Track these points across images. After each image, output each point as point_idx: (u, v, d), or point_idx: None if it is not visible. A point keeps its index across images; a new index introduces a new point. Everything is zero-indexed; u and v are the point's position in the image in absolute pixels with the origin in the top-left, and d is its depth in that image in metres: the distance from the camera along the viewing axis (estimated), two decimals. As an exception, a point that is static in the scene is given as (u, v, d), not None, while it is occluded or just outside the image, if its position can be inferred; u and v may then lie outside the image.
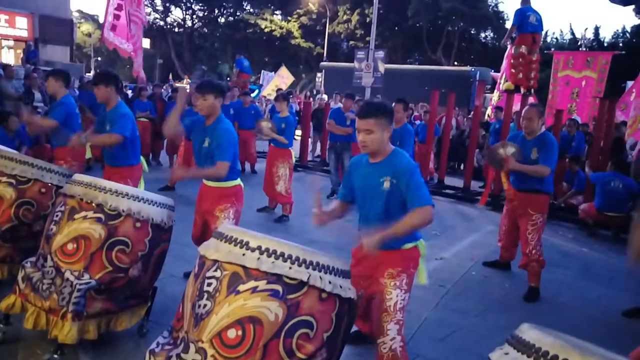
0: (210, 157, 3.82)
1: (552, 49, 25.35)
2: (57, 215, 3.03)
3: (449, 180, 10.42)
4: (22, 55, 18.76)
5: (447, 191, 9.72)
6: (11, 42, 22.48)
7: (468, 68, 22.58)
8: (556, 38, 35.46)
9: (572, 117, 11.35)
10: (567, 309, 4.59)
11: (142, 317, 3.31)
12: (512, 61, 9.41)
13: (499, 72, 20.64)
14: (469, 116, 13.14)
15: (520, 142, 4.73)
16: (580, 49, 17.09)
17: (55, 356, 2.85)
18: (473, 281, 5.11)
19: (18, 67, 13.49)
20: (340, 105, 9.25)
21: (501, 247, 5.41)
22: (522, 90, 9.39)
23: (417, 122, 11.46)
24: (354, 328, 3.32)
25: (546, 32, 55.71)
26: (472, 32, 34.54)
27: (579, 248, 6.72)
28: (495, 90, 13.32)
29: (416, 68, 26.57)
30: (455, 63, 31.44)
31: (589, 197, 7.98)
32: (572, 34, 32.82)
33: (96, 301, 2.95)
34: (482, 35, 35.76)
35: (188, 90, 4.45)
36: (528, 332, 1.63)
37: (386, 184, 2.72)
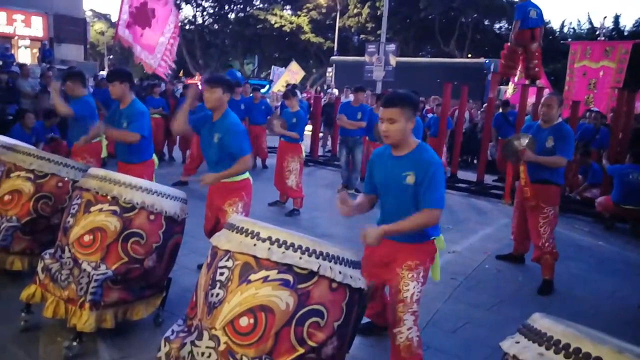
0: (222, 152, 3.87)
1: (569, 40, 25.05)
2: (73, 208, 3.11)
3: (462, 174, 10.39)
4: (37, 54, 18.99)
5: (460, 185, 9.69)
6: (27, 42, 22.76)
7: (482, 60, 22.37)
8: (573, 28, 34.91)
9: (591, 108, 11.20)
10: (581, 302, 4.57)
11: (158, 306, 3.38)
12: (505, 53, 9.46)
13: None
14: (482, 109, 13.05)
15: (535, 132, 4.71)
16: (599, 38, 16.83)
17: (74, 344, 2.93)
18: (486, 274, 5.11)
19: (34, 66, 13.68)
20: (350, 99, 9.24)
21: (514, 241, 5.40)
22: (511, 82, 9.40)
23: (429, 115, 11.41)
24: (365, 319, 3.37)
25: (562, 22, 55.08)
26: (486, 23, 34.16)
27: (595, 241, 6.67)
28: (510, 83, 13.20)
29: (428, 61, 26.41)
30: (469, 55, 31.15)
31: (606, 189, 7.88)
32: (590, 23, 32.25)
33: (113, 291, 3.02)
34: (497, 26, 35.34)
35: (200, 87, 4.48)
36: (539, 321, 1.64)
37: (410, 179, 2.70)
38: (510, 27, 35.35)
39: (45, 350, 3.01)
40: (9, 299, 3.46)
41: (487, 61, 21.18)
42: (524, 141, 4.64)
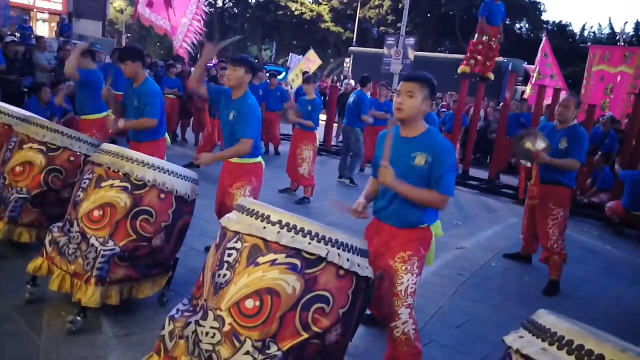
0: (233, 130, 3.86)
1: (589, 43, 24.70)
2: (84, 183, 3.11)
3: (474, 172, 10.32)
4: (56, 28, 19.06)
5: (472, 182, 9.63)
6: (46, 16, 22.85)
7: (500, 59, 22.10)
8: (594, 32, 34.56)
9: (605, 114, 11.09)
10: (587, 305, 4.54)
11: (164, 286, 3.39)
12: (471, 47, 9.56)
13: (532, 64, 20.27)
14: (498, 107, 12.93)
15: (549, 132, 4.65)
16: (619, 44, 16.60)
17: (79, 318, 2.94)
18: (493, 272, 5.08)
19: (52, 40, 13.72)
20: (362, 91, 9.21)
21: (523, 240, 5.36)
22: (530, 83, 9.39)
23: (445, 111, 11.33)
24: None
25: (583, 26, 54.42)
26: (507, 22, 33.83)
27: (603, 246, 6.61)
28: (529, 84, 13.08)
29: (447, 57, 26.12)
30: (487, 53, 30.81)
31: (617, 195, 7.81)
32: (611, 28, 31.89)
33: (119, 268, 3.02)
34: (517, 26, 35.02)
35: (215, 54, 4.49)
36: (544, 317, 1.63)
37: (419, 160, 2.64)
38: (530, 27, 35.16)
39: (49, 323, 3.02)
40: (16, 270, 3.48)
41: (505, 60, 20.92)
42: (540, 145, 4.52)
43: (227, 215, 2.38)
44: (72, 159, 3.77)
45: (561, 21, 34.21)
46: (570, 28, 33.59)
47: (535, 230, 4.98)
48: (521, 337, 1.61)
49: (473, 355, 3.36)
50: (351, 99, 8.43)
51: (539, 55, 12.31)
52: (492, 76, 9.72)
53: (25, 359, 2.67)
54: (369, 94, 8.83)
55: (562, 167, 4.50)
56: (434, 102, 6.18)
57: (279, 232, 2.14)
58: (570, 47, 27.97)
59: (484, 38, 9.28)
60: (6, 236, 3.67)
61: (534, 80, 11.64)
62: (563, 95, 9.05)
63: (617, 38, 19.54)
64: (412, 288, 2.74)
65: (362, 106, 8.19)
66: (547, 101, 9.91)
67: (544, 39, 12.78)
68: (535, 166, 4.66)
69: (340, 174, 8.67)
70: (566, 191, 4.68)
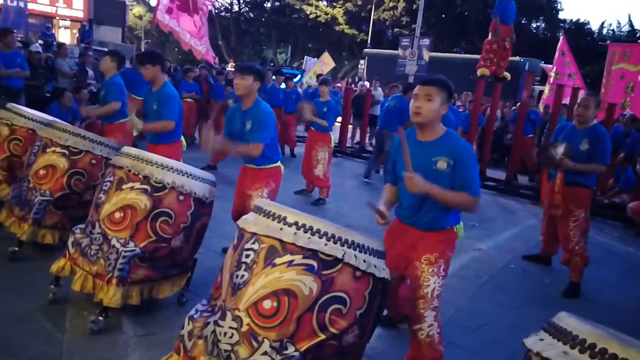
0: (250, 138, 3.90)
1: (608, 41, 24.35)
2: (106, 185, 3.17)
3: (490, 173, 10.24)
4: (77, 35, 19.36)
5: (489, 183, 9.56)
6: (67, 23, 23.22)
7: (517, 58, 21.90)
8: (612, 30, 33.98)
9: (625, 113, 10.93)
10: (608, 308, 4.47)
11: (182, 286, 3.44)
12: (486, 46, 9.43)
13: (549, 64, 20.03)
14: (514, 107, 12.82)
15: (569, 133, 4.59)
16: (639, 41, 16.33)
17: (100, 318, 3.00)
18: (511, 274, 5.04)
19: (73, 47, 13.94)
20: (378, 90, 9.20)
21: (543, 242, 5.31)
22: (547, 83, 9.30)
23: (460, 111, 11.26)
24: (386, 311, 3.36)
25: (602, 23, 53.58)
26: (523, 21, 33.49)
27: (624, 247, 6.51)
28: (547, 84, 12.94)
29: (462, 57, 25.95)
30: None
31: (638, 195, 7.69)
32: (631, 25, 31.29)
33: (140, 268, 3.08)
34: (533, 25, 34.64)
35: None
36: (565, 320, 1.60)
37: (441, 165, 2.63)
38: (547, 26, 34.72)
39: (72, 323, 3.08)
40: (39, 271, 3.55)
41: (522, 60, 20.73)
42: (560, 150, 4.48)
43: (244, 217, 2.40)
44: (93, 162, 3.85)
45: (578, 19, 33.87)
46: (588, 26, 33.06)
47: (554, 231, 4.93)
48: (541, 340, 1.59)
49: (491, 358, 3.34)
50: (391, 103, 8.31)
51: (557, 54, 12.17)
52: (508, 76, 9.65)
53: (49, 357, 2.73)
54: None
55: (588, 172, 4.46)
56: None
57: (295, 233, 2.16)
58: (588, 46, 27.55)
59: (498, 37, 9.20)
60: (30, 237, 3.75)
61: (551, 79, 11.51)
62: (581, 94, 8.96)
63: (638, 35, 19.20)
64: (437, 290, 2.73)
65: (405, 112, 8.12)
66: (565, 100, 9.81)
67: (561, 37, 12.63)
68: (560, 174, 4.62)
69: (366, 174, 8.69)
70: (586, 192, 4.62)
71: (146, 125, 4.37)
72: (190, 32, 10.60)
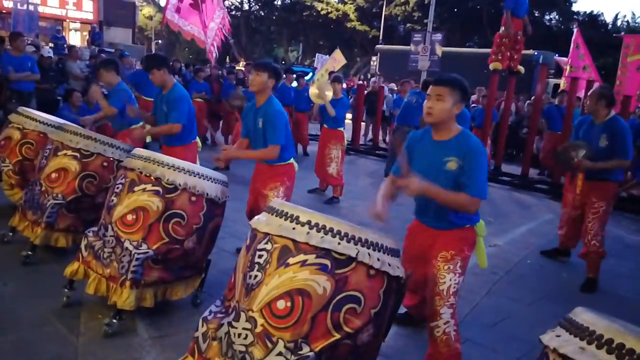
0: (264, 138, 3.87)
1: (623, 33, 23.99)
2: (117, 187, 3.16)
3: (506, 168, 10.14)
4: (87, 37, 19.52)
5: (504, 178, 9.46)
6: (78, 25, 23.44)
7: (530, 52, 21.68)
8: (627, 21, 33.53)
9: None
10: (626, 301, 4.40)
11: (196, 287, 3.43)
12: (497, 40, 9.34)
13: (563, 57, 19.76)
14: (529, 101, 12.67)
15: (587, 128, 4.51)
16: (656, 31, 16.05)
17: (114, 321, 2.99)
18: (528, 269, 4.97)
19: (84, 49, 14.05)
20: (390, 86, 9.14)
21: (561, 235, 5.19)
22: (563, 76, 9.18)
23: (474, 106, 11.15)
24: (403, 309, 3.32)
25: (616, 15, 52.89)
26: (536, 14, 33.14)
27: (642, 240, 6.41)
28: (562, 77, 12.76)
29: (475, 51, 25.69)
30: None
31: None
32: (646, 16, 30.86)
33: (153, 270, 3.07)
34: (547, 17, 34.25)
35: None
36: (582, 315, 1.58)
37: (451, 165, 2.61)
38: (560, 18, 34.31)
39: (86, 326, 3.09)
40: (53, 274, 3.57)
41: (536, 53, 20.49)
42: (580, 153, 4.37)
43: (257, 217, 2.38)
44: (105, 164, 3.85)
45: (592, 11, 33.41)
46: (602, 18, 32.64)
47: (575, 223, 4.85)
48: (558, 336, 1.56)
49: (508, 355, 3.29)
50: (411, 98, 8.20)
51: (572, 46, 11.99)
52: (522, 69, 9.55)
53: (64, 359, 2.72)
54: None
55: (610, 168, 4.37)
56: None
57: (308, 233, 2.13)
58: (603, 38, 27.17)
59: (509, 31, 9.11)
60: (44, 241, 3.76)
61: (566, 72, 11.33)
62: (596, 86, 8.82)
63: (654, 26, 18.89)
64: (454, 288, 2.70)
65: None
66: (580, 93, 9.67)
67: (575, 30, 12.45)
68: (580, 175, 4.52)
69: (386, 173, 8.63)
70: (611, 185, 4.53)
71: (151, 128, 4.35)
72: (196, 25, 10.62)
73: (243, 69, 14.28)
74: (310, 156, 9.88)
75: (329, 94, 6.98)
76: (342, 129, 7.03)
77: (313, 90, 7.48)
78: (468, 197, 2.57)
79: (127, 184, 3.13)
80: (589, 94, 4.56)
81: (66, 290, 3.27)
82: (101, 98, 5.13)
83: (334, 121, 6.95)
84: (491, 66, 9.27)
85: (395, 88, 13.98)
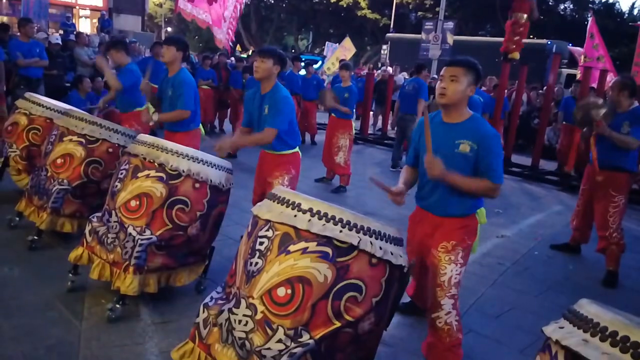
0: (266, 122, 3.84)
1: (639, 22, 23.58)
2: (121, 173, 3.16)
3: (516, 158, 10.04)
4: (97, 24, 19.54)
5: (514, 169, 9.38)
6: (87, 12, 23.46)
7: (544, 41, 21.43)
8: (643, 9, 32.97)
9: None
10: (636, 294, 4.35)
11: (200, 274, 3.43)
12: (509, 28, 9.15)
13: (577, 46, 19.48)
14: (541, 91, 12.51)
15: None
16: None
17: (118, 306, 3.01)
18: (535, 261, 4.93)
19: (94, 36, 14.06)
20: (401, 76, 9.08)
21: (574, 229, 5.13)
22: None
23: (486, 95, 11.03)
24: (407, 299, 3.31)
25: (632, 4, 51.97)
26: (550, 3, 32.69)
27: (652, 233, 6.32)
28: (578, 68, 12.58)
29: (487, 40, 25.41)
30: (531, 36, 29.91)
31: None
32: (665, 3, 30.33)
33: (157, 256, 3.07)
34: (561, 6, 33.79)
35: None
36: (586, 307, 1.55)
37: (463, 147, 2.59)
38: (575, 7, 33.82)
39: (90, 311, 3.10)
40: (58, 259, 3.59)
41: (549, 42, 20.26)
42: (601, 112, 4.32)
43: (259, 204, 2.37)
44: (110, 150, 3.85)
45: (607, 0, 32.73)
46: (618, 6, 32.20)
47: (590, 217, 4.81)
48: (561, 328, 1.54)
49: (513, 346, 3.27)
50: (409, 87, 8.24)
51: (587, 36, 11.78)
52: (517, 55, 9.30)
53: (67, 344, 2.74)
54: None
55: (620, 142, 4.28)
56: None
57: (309, 220, 2.12)
58: (618, 27, 26.76)
59: (519, 16, 8.96)
60: (49, 226, 3.78)
61: (581, 62, 11.15)
62: (610, 77, 8.69)
63: (672, 14, 18.55)
64: (455, 278, 2.68)
65: (421, 91, 8.03)
66: (594, 84, 9.52)
67: (590, 19, 12.24)
68: (593, 138, 4.45)
69: (393, 163, 8.60)
70: (626, 176, 4.49)
71: (162, 115, 4.34)
72: (213, 21, 10.56)
73: (246, 55, 14.22)
74: (318, 145, 9.84)
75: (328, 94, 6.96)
76: (350, 118, 6.99)
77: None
78: (491, 184, 2.58)
79: (130, 169, 3.12)
80: (611, 84, 4.50)
81: (71, 275, 3.29)
82: (106, 67, 5.09)
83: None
84: (510, 56, 9.14)
85: (406, 76, 13.85)
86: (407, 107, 8.20)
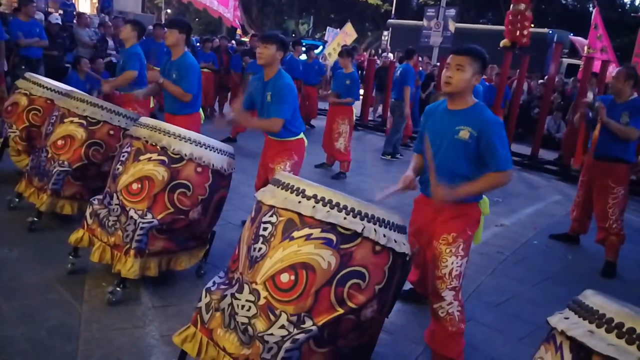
0: (270, 111, 3.82)
1: (640, 13, 23.47)
2: (123, 156, 3.14)
3: (515, 147, 10.01)
4: (97, 4, 19.30)
5: (513, 158, 9.31)
6: (87, -8, 23.16)
7: (545, 30, 21.31)
8: (646, 0, 32.78)
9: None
10: (635, 286, 4.37)
11: (201, 259, 3.43)
12: (510, 18, 9.14)
13: (578, 36, 19.36)
14: (542, 80, 12.46)
15: (609, 106, 4.45)
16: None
17: (118, 289, 3.00)
18: (534, 250, 4.94)
19: (93, 16, 13.91)
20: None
21: (573, 220, 5.14)
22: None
23: (486, 84, 10.98)
24: (408, 286, 3.32)
25: (635, -6, 51.65)
26: (553, -9, 32.48)
27: (652, 224, 6.34)
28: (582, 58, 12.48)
29: (489, 28, 25.22)
30: (532, 25, 29.73)
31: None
32: (666, -6, 30.17)
33: (158, 240, 3.06)
34: (563, -5, 33.60)
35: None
36: (591, 298, 1.54)
37: (463, 134, 2.57)
38: (579, -4, 33.60)
39: (90, 294, 3.09)
40: (58, 241, 3.57)
41: (550, 32, 20.13)
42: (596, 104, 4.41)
43: (262, 189, 2.36)
44: (111, 132, 3.82)
45: (610, -10, 32.50)
46: (620, -4, 31.92)
47: (589, 209, 4.82)
48: (566, 318, 1.53)
49: (512, 335, 3.29)
50: (397, 73, 8.22)
51: (591, 27, 11.66)
52: (507, 42, 9.32)
53: (68, 326, 2.74)
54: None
55: (619, 132, 4.29)
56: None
57: (313, 207, 2.10)
58: (620, 17, 26.62)
59: (521, 6, 8.97)
60: (49, 208, 3.75)
61: (584, 53, 11.05)
62: (612, 67, 8.63)
63: (673, 6, 18.45)
64: (456, 270, 2.67)
65: (406, 77, 7.97)
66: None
67: (594, 9, 12.12)
68: (597, 128, 4.47)
69: (384, 152, 8.58)
70: (626, 167, 4.50)
71: (165, 81, 4.28)
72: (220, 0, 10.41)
73: (247, 40, 14.07)
74: (317, 130, 9.80)
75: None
76: (351, 104, 6.96)
77: None
78: (497, 174, 2.55)
79: (132, 152, 3.10)
80: (614, 74, 4.48)
81: (71, 257, 3.28)
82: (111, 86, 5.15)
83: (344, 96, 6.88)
84: (501, 43, 9.15)
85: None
86: (396, 93, 8.17)
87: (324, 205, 2.11)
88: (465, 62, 2.56)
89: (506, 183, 2.62)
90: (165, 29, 4.39)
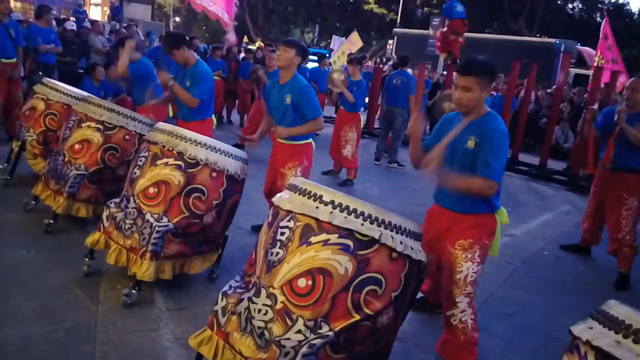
0: (295, 114, 3.90)
1: (648, 24, 23.45)
2: (140, 160, 3.18)
3: (523, 157, 10.03)
4: (108, 12, 19.50)
5: (521, 168, 9.37)
6: (99, 0, 23.40)
7: (552, 40, 21.34)
8: (653, 12, 32.77)
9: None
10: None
11: (213, 263, 3.45)
12: (440, 37, 10.12)
13: (585, 46, 19.36)
14: (549, 90, 12.46)
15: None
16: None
17: (133, 291, 3.04)
18: (545, 261, 4.93)
19: (105, 23, 14.04)
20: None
21: (584, 231, 5.10)
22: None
23: (494, 93, 11.00)
24: (419, 295, 3.32)
25: (642, 6, 51.51)
26: (559, 2, 32.52)
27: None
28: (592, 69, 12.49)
29: (495, 37, 25.32)
30: (537, 35, 29.76)
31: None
32: (673, 7, 30.20)
33: (172, 244, 3.09)
34: (569, 6, 33.63)
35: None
36: (616, 308, 1.53)
37: (470, 143, 2.58)
38: (584, 7, 33.64)
39: (105, 296, 3.13)
40: (74, 243, 3.62)
41: (557, 42, 20.16)
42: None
43: (279, 194, 2.38)
44: (127, 137, 3.87)
45: (617, 0, 32.52)
46: (628, 7, 32.06)
47: (601, 220, 4.79)
48: (590, 328, 1.53)
49: (525, 346, 3.27)
50: (397, 80, 8.22)
51: (601, 37, 11.65)
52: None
53: (84, 327, 2.77)
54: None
55: (635, 139, 4.24)
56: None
57: (331, 212, 2.12)
58: (628, 28, 26.64)
59: (447, 30, 10.15)
60: (65, 211, 3.80)
61: (595, 64, 11.02)
62: (621, 77, 8.63)
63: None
64: (471, 277, 2.67)
65: (411, 86, 7.99)
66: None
67: (604, 20, 12.12)
68: (613, 136, 4.44)
69: (377, 156, 8.58)
70: (639, 178, 4.45)
71: (176, 85, 4.32)
72: (216, 3, 10.48)
73: (254, 47, 14.16)
74: (324, 138, 9.82)
75: (338, 76, 6.97)
76: (358, 112, 7.00)
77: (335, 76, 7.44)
78: (481, 180, 2.50)
79: (150, 157, 3.14)
80: (627, 84, 4.45)
81: (87, 259, 3.32)
82: (127, 54, 5.18)
83: (351, 104, 6.92)
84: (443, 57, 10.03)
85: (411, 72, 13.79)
86: (395, 100, 8.16)
87: (342, 211, 2.13)
88: (471, 83, 2.55)
89: (488, 194, 2.56)
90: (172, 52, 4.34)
